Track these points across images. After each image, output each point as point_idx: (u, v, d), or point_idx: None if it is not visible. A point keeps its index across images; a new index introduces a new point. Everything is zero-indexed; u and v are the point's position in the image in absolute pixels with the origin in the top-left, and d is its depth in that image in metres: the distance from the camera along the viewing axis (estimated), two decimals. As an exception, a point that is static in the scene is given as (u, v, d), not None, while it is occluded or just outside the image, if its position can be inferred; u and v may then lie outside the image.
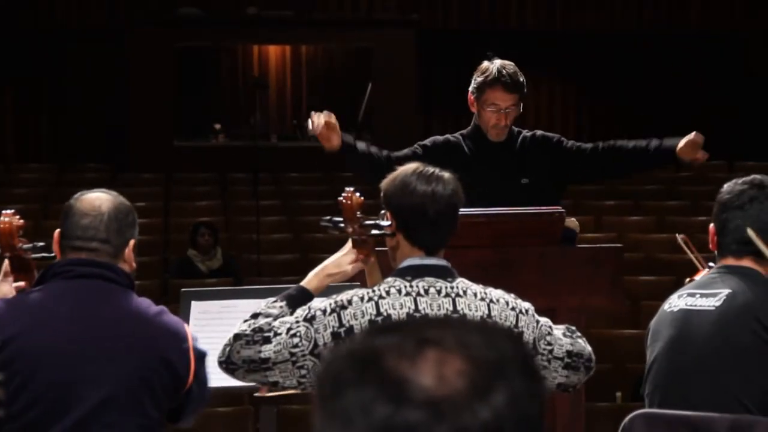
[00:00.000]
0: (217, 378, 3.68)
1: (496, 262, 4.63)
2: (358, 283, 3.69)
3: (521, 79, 5.11)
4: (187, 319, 4.20)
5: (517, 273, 4.60)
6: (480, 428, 1.31)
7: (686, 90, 15.59)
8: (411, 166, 3.58)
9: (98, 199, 3.51)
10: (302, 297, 3.59)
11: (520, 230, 4.70)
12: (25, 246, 3.57)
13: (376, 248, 3.68)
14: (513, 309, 3.51)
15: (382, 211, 3.54)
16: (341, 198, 3.58)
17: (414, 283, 3.45)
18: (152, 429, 3.45)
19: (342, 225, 3.57)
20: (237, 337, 3.48)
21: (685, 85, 15.60)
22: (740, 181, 3.83)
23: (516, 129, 5.25)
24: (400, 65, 14.69)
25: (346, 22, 15.18)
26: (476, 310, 3.46)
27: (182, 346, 3.49)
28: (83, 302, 3.43)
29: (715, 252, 3.87)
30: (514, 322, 3.49)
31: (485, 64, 5.14)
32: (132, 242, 3.53)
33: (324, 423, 1.36)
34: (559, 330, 3.61)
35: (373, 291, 3.45)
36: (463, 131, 5.24)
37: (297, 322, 3.45)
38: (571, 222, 4.85)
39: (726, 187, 3.84)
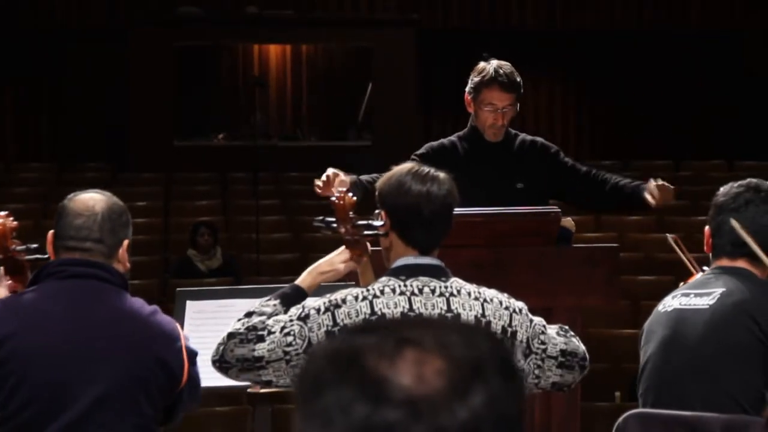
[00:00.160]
0: (212, 377, 3.68)
1: (492, 261, 4.64)
2: (354, 283, 3.70)
3: (518, 79, 5.12)
4: (182, 319, 4.21)
5: (513, 273, 4.61)
6: (458, 428, 1.32)
7: (686, 90, 15.59)
8: (406, 166, 3.59)
9: (92, 199, 3.51)
10: (296, 295, 3.60)
11: (516, 230, 4.71)
12: (19, 248, 3.57)
13: (371, 248, 3.68)
14: (507, 308, 3.52)
15: (377, 211, 3.54)
16: (334, 198, 3.59)
17: (408, 283, 3.45)
18: (147, 428, 3.46)
19: (335, 225, 3.58)
20: (231, 335, 3.48)
21: (686, 85, 15.60)
22: (736, 184, 3.86)
23: (513, 131, 5.27)
24: (400, 65, 14.69)
25: (346, 22, 15.19)
26: (470, 310, 3.46)
27: (176, 346, 3.49)
28: (77, 302, 3.43)
29: (710, 254, 3.88)
30: (507, 322, 3.50)
31: (481, 64, 5.15)
32: (126, 242, 3.53)
33: (304, 423, 1.36)
34: (552, 329, 3.62)
35: (368, 290, 3.45)
36: (459, 133, 5.26)
37: (291, 320, 3.45)
38: (567, 222, 4.86)
39: (722, 189, 3.86)
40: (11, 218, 3.58)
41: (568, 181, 5.22)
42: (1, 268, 3.63)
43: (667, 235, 4.70)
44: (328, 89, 15.94)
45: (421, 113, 14.94)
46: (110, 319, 3.44)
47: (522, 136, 5.27)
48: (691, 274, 4.29)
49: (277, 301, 3.56)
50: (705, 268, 3.97)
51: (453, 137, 5.24)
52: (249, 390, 4.16)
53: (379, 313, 3.41)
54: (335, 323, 3.40)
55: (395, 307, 3.42)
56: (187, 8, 14.74)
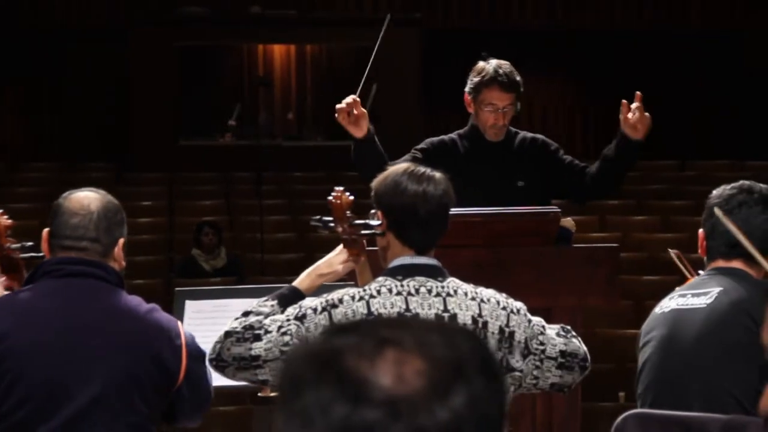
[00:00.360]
0: (214, 378, 3.67)
1: (492, 261, 4.63)
2: (353, 283, 3.70)
3: (517, 78, 5.12)
4: (181, 319, 4.20)
5: (513, 273, 4.60)
6: (438, 428, 1.31)
7: (690, 89, 15.57)
8: (402, 166, 3.58)
9: (87, 198, 3.51)
10: (294, 296, 3.59)
11: (516, 230, 4.70)
12: (14, 246, 3.57)
13: (367, 248, 3.68)
14: (504, 308, 3.50)
15: (373, 211, 3.54)
16: (330, 197, 3.58)
17: (405, 283, 3.45)
18: (143, 426, 3.45)
19: (332, 224, 3.58)
20: (228, 334, 3.48)
21: (690, 84, 15.58)
22: (729, 186, 3.86)
23: (513, 130, 5.26)
24: (403, 65, 14.68)
25: (349, 22, 15.18)
26: (467, 310, 3.45)
27: (174, 343, 3.48)
28: (73, 301, 3.43)
29: (704, 257, 3.88)
30: (505, 322, 3.49)
31: (481, 64, 5.15)
32: (121, 241, 3.53)
33: (285, 423, 1.36)
34: (553, 330, 3.60)
35: (364, 290, 3.45)
36: (460, 131, 5.25)
37: (288, 320, 3.45)
38: (567, 222, 4.85)
39: (715, 192, 3.86)
40: (6, 216, 3.57)
41: (568, 177, 5.21)
42: None
43: (669, 250, 4.69)
44: (333, 89, 15.93)
45: (424, 113, 14.93)
46: (106, 317, 3.43)
47: (522, 134, 5.26)
48: (687, 279, 4.28)
49: (274, 302, 3.56)
50: (700, 271, 3.97)
51: (453, 135, 5.24)
52: (259, 394, 4.15)
53: (376, 313, 3.40)
54: (332, 323, 3.40)
55: (392, 308, 3.41)
56: (189, 8, 14.75)
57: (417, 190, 3.47)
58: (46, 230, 3.52)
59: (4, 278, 3.62)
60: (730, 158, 14.51)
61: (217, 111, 15.50)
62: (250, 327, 3.46)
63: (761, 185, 3.86)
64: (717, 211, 3.68)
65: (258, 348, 3.44)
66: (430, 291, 3.45)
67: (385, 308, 3.41)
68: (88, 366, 3.37)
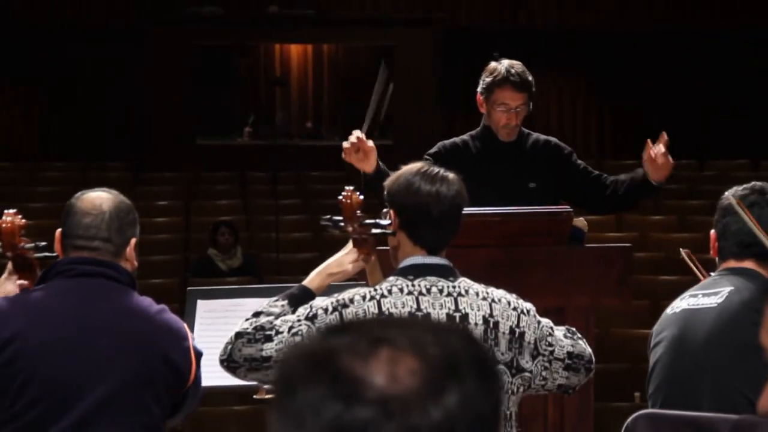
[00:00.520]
0: (224, 377, 3.68)
1: (505, 261, 4.63)
2: (364, 282, 3.70)
3: (529, 78, 5.12)
4: (193, 318, 4.22)
5: (525, 272, 4.60)
6: (430, 427, 1.32)
7: (708, 89, 15.52)
8: (415, 166, 3.58)
9: (99, 198, 3.52)
10: (304, 296, 3.60)
11: (529, 230, 4.70)
12: (27, 245, 3.59)
13: (377, 248, 3.68)
14: (515, 309, 3.51)
15: (384, 210, 3.54)
16: (341, 197, 3.59)
17: (416, 283, 3.45)
18: (154, 427, 3.46)
19: (342, 224, 3.58)
20: (238, 335, 3.49)
21: (707, 84, 15.53)
22: (741, 187, 3.86)
23: (526, 131, 5.26)
24: (421, 64, 14.68)
25: (366, 21, 15.18)
26: (478, 310, 3.46)
27: (183, 345, 3.50)
28: (85, 300, 3.44)
29: (716, 258, 3.88)
30: (515, 322, 3.49)
31: (492, 64, 5.15)
32: (133, 241, 3.54)
33: (279, 422, 1.36)
34: (560, 331, 3.60)
35: (375, 290, 3.45)
36: (472, 132, 5.25)
37: (299, 320, 3.45)
38: (580, 221, 4.84)
39: (727, 193, 3.86)
40: (20, 216, 3.59)
41: (579, 183, 5.21)
42: (10, 265, 3.64)
43: (681, 249, 4.68)
44: (350, 89, 15.94)
45: (441, 113, 14.92)
46: (118, 317, 3.44)
47: (535, 135, 5.26)
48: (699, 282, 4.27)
49: (285, 302, 3.56)
50: (711, 273, 3.96)
51: (465, 136, 5.24)
52: (255, 396, 4.16)
53: (387, 313, 3.40)
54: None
55: (403, 307, 3.41)
56: (207, 8, 14.78)
57: (430, 190, 3.47)
58: (59, 230, 3.54)
59: (17, 277, 3.63)
60: (749, 158, 14.46)
61: (234, 111, 15.53)
62: (261, 328, 3.47)
63: None
64: (735, 203, 3.68)
65: (269, 349, 3.44)
66: (441, 291, 3.45)
67: (396, 308, 3.41)
68: (99, 366, 3.38)
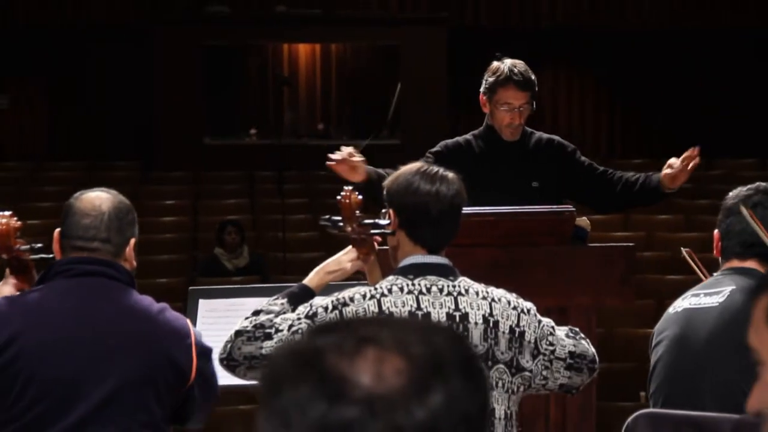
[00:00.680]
0: (224, 376, 3.68)
1: (507, 261, 4.63)
2: (367, 282, 3.70)
3: (532, 77, 5.12)
4: (194, 317, 4.22)
5: (527, 272, 4.60)
6: (414, 427, 1.32)
7: (717, 88, 15.50)
8: (414, 166, 3.59)
9: (98, 198, 3.52)
10: (304, 295, 3.60)
11: (531, 229, 4.70)
12: (23, 247, 3.58)
13: (379, 247, 3.68)
14: (515, 308, 3.51)
15: (384, 210, 3.54)
16: (339, 197, 3.59)
17: (416, 282, 3.45)
18: (156, 426, 3.46)
19: (341, 224, 3.59)
20: (238, 333, 3.49)
21: (715, 83, 15.50)
22: (746, 187, 3.86)
23: (529, 129, 5.25)
24: (429, 63, 14.67)
25: (375, 21, 15.18)
26: (478, 309, 3.46)
27: (185, 343, 3.49)
28: (85, 300, 3.44)
29: (719, 258, 3.88)
30: (515, 322, 3.49)
31: (495, 64, 5.15)
32: (132, 241, 3.54)
33: (265, 422, 1.37)
34: (562, 331, 3.60)
35: (375, 289, 3.46)
36: (475, 131, 5.25)
37: (299, 319, 3.46)
38: (582, 221, 4.84)
39: (732, 193, 3.87)
40: (15, 218, 3.59)
41: (584, 181, 5.20)
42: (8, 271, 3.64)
43: (682, 249, 4.68)
44: (358, 88, 15.94)
45: (450, 112, 14.91)
46: (118, 316, 3.44)
47: (538, 134, 5.26)
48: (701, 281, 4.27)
49: (284, 300, 3.57)
50: (714, 273, 3.96)
51: (468, 135, 5.24)
52: None
53: (387, 312, 3.41)
54: (339, 322, 3.39)
55: (403, 306, 3.42)
56: (215, 7, 14.79)
57: (429, 189, 3.47)
58: (57, 231, 3.54)
59: (13, 279, 3.63)
60: (756, 157, 14.44)
61: (242, 110, 15.54)
62: (261, 326, 3.47)
63: None
64: (746, 212, 3.68)
65: (269, 347, 3.45)
66: (441, 290, 3.45)
67: (396, 307, 3.41)
68: (100, 365, 3.38)
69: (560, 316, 4.27)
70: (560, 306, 4.51)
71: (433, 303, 3.44)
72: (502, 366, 3.45)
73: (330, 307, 3.43)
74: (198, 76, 14.72)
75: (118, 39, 14.85)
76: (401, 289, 3.44)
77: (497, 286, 3.56)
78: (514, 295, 3.55)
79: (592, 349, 3.62)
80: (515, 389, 3.49)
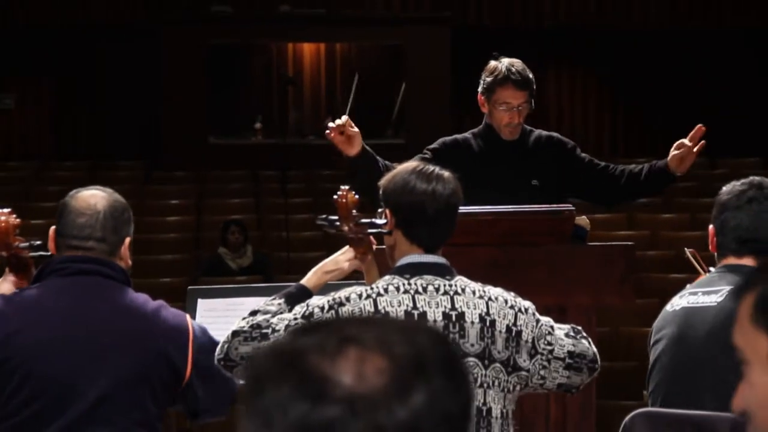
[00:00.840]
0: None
1: (506, 260, 4.62)
2: (364, 281, 3.70)
3: (530, 76, 5.11)
4: (193, 317, 4.21)
5: (527, 271, 4.59)
6: (396, 426, 1.32)
7: (721, 87, 15.48)
8: (410, 165, 3.59)
9: (93, 197, 3.52)
10: (301, 295, 3.61)
11: (531, 228, 4.69)
12: (22, 245, 3.59)
13: (375, 246, 3.69)
14: (512, 307, 3.50)
15: (380, 209, 3.54)
16: (336, 196, 3.59)
17: (412, 281, 3.45)
18: (151, 424, 3.46)
19: (337, 223, 3.59)
20: (235, 333, 3.49)
21: (719, 83, 15.49)
22: (740, 182, 3.84)
23: (528, 128, 5.25)
24: (433, 63, 14.67)
25: (379, 20, 15.19)
26: (475, 308, 3.45)
27: (180, 340, 3.50)
28: (80, 299, 3.44)
29: (715, 253, 3.87)
30: (512, 321, 3.48)
31: (492, 63, 5.15)
32: (127, 240, 3.54)
33: (248, 421, 1.37)
34: (562, 330, 3.58)
35: (372, 288, 3.45)
36: (474, 130, 5.25)
37: (295, 319, 3.46)
38: (582, 220, 4.83)
39: (725, 188, 3.85)
40: (14, 215, 3.60)
41: (586, 177, 5.19)
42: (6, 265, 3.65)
43: (686, 249, 4.68)
44: (363, 87, 15.93)
45: (454, 111, 14.91)
46: (113, 315, 3.45)
47: (537, 132, 5.25)
48: (699, 276, 4.27)
49: (281, 300, 3.57)
50: (711, 269, 3.95)
51: (467, 134, 5.24)
52: None
53: (383, 311, 3.41)
54: (333, 322, 3.39)
55: (399, 306, 3.42)
56: (219, 6, 14.80)
57: (426, 188, 3.47)
58: (52, 228, 3.54)
59: (12, 277, 3.64)
60: (760, 156, 14.43)
61: (246, 110, 15.54)
62: (258, 326, 3.48)
63: None
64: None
65: None
66: (437, 289, 3.45)
67: (392, 306, 3.41)
68: (95, 364, 3.39)
69: (560, 315, 4.26)
70: (560, 305, 4.51)
71: (429, 302, 3.43)
72: (498, 365, 3.45)
73: (326, 306, 3.43)
74: (202, 76, 14.73)
75: (122, 39, 14.87)
76: (397, 289, 3.44)
77: (497, 285, 3.56)
78: (511, 294, 3.55)
79: (593, 349, 3.60)
80: (512, 388, 3.48)
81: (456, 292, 3.46)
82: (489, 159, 5.12)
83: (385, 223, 3.50)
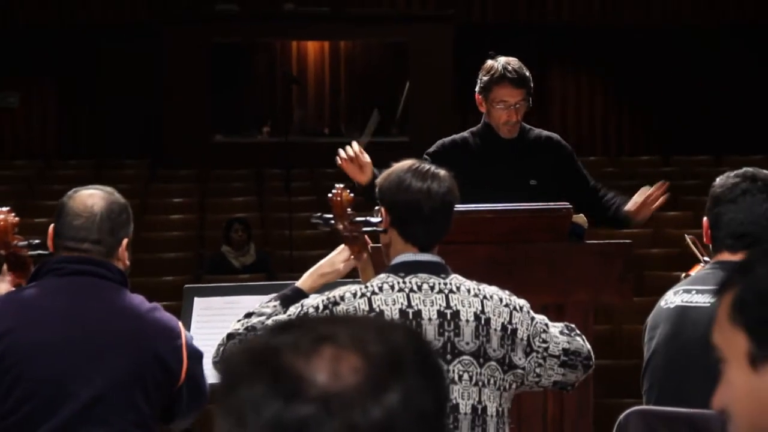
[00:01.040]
0: (212, 375, 3.68)
1: (505, 258, 4.62)
2: (360, 280, 3.70)
3: (527, 74, 5.11)
4: (189, 316, 4.22)
5: (525, 269, 4.60)
6: (370, 425, 1.32)
7: (725, 85, 15.46)
8: (406, 163, 3.58)
9: (92, 197, 3.51)
10: (296, 297, 3.61)
11: (528, 226, 4.69)
12: (21, 243, 3.59)
13: (372, 245, 3.69)
14: (507, 305, 3.50)
15: (376, 208, 3.54)
16: (331, 194, 3.59)
17: (407, 280, 3.45)
18: (145, 425, 3.46)
19: (332, 222, 3.59)
20: (230, 336, 3.50)
21: (723, 80, 15.47)
22: (732, 174, 3.81)
23: (527, 126, 5.25)
24: (437, 61, 14.66)
25: (382, 18, 15.18)
26: (469, 306, 3.45)
27: (175, 343, 3.49)
28: (76, 299, 3.44)
29: (710, 246, 3.85)
30: (507, 319, 3.48)
31: (489, 62, 5.15)
32: (125, 241, 3.53)
33: (222, 420, 1.37)
34: (556, 328, 3.58)
35: (366, 287, 3.45)
36: (473, 129, 5.25)
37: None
38: (580, 218, 4.84)
39: (718, 180, 3.82)
40: (12, 214, 3.60)
41: (574, 187, 5.19)
42: (4, 264, 3.65)
43: (686, 235, 4.67)
44: (367, 86, 15.94)
45: (457, 109, 14.90)
46: (108, 315, 3.44)
47: (537, 131, 5.25)
48: (694, 266, 4.25)
49: (276, 302, 3.59)
50: (706, 259, 3.94)
51: (466, 133, 5.24)
52: None
53: (378, 310, 3.41)
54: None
55: (394, 304, 3.42)
56: (223, 5, 14.80)
57: (421, 187, 3.47)
58: (51, 226, 3.54)
59: (11, 275, 3.64)
60: (765, 154, 14.41)
61: (250, 108, 15.54)
62: (253, 328, 3.48)
63: (765, 172, 3.81)
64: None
65: None
66: (432, 288, 3.45)
67: (387, 305, 3.41)
68: (90, 364, 3.38)
69: (558, 313, 4.27)
70: (558, 303, 4.51)
71: (424, 301, 3.43)
72: (494, 363, 3.45)
73: (321, 306, 3.44)
74: (206, 74, 14.74)
75: (126, 38, 14.87)
76: (392, 287, 3.44)
77: (495, 284, 3.56)
78: (506, 292, 3.55)
79: (588, 346, 3.61)
80: (507, 386, 3.48)
81: (451, 291, 3.46)
82: (488, 157, 5.12)
83: (380, 222, 3.50)
